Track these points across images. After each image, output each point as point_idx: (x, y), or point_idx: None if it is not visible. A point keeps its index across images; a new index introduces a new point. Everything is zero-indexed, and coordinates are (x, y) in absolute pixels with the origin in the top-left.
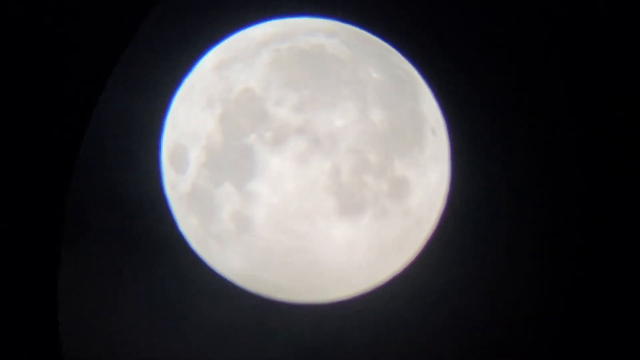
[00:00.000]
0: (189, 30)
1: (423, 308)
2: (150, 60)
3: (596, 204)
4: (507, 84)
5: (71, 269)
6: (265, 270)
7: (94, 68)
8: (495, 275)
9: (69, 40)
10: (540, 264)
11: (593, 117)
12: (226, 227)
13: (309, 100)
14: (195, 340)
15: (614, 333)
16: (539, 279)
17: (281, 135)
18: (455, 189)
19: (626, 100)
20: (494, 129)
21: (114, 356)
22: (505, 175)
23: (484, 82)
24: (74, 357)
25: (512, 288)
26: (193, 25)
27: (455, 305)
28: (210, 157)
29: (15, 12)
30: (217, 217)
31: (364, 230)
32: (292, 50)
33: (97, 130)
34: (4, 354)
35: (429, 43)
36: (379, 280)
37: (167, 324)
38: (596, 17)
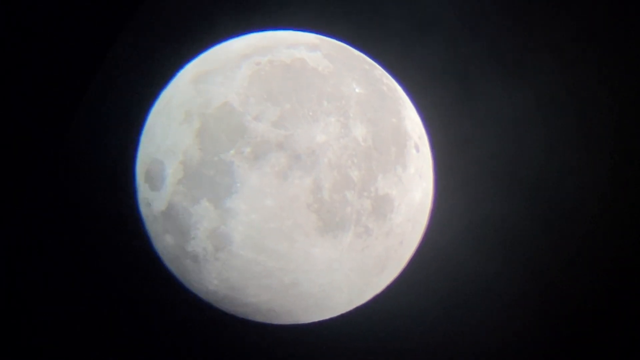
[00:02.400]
0: (167, 42)
1: (405, 329)
2: (125, 72)
3: (586, 216)
4: (492, 99)
5: (38, 284)
6: (243, 291)
7: (69, 80)
8: (481, 296)
9: (44, 55)
10: (527, 283)
11: (582, 127)
12: (203, 246)
13: (289, 114)
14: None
15: (609, 343)
16: (525, 299)
17: (261, 150)
18: (439, 207)
19: (620, 106)
20: (479, 145)
21: None
22: (491, 191)
23: (468, 97)
24: None
25: (499, 308)
26: (171, 37)
27: (439, 326)
28: (187, 173)
29: None
30: (193, 236)
31: (346, 250)
32: (273, 64)
33: (70, 144)
34: None
35: (411, 57)
36: (360, 301)
37: (141, 345)
38: (579, 28)
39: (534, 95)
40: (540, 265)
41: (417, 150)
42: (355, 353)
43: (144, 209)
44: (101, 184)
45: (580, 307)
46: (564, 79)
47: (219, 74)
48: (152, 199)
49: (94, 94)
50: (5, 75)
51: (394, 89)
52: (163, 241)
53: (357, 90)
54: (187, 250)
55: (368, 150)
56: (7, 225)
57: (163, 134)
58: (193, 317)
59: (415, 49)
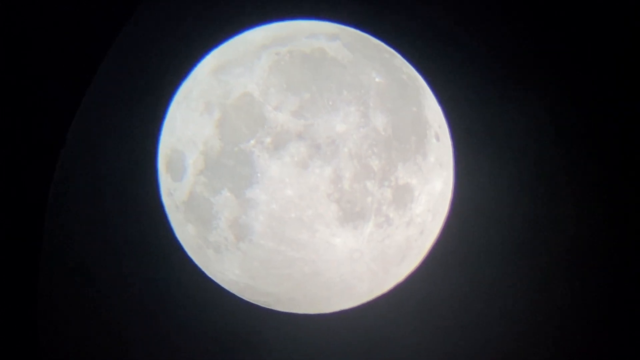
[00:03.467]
0: (187, 33)
1: (427, 318)
2: (146, 63)
3: (603, 209)
4: (513, 89)
5: (64, 276)
6: (264, 281)
7: (89, 69)
8: (501, 284)
9: (62, 50)
10: (545, 271)
11: (600, 120)
12: (224, 236)
13: (309, 104)
14: (193, 351)
15: (619, 337)
16: (544, 286)
17: (281, 140)
18: (459, 197)
19: (630, 101)
20: (499, 134)
21: None
22: (511, 181)
23: (488, 86)
24: None
25: (518, 296)
26: (191, 28)
27: (459, 315)
28: (208, 163)
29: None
30: (215, 226)
31: (367, 240)
32: (293, 54)
33: (92, 136)
34: None
35: (432, 46)
36: (381, 291)
37: (164, 334)
38: (597, 20)
39: (562, 85)
40: (562, 255)
41: (438, 140)
42: (376, 342)
43: (166, 200)
44: (124, 175)
45: (606, 305)
46: (590, 70)
47: (238, 65)
48: (174, 190)
49: (115, 86)
50: (21, 61)
51: (414, 78)
52: (185, 231)
53: (377, 79)
54: (209, 240)
55: (388, 140)
56: (29, 217)
57: (184, 125)
58: (215, 307)
59: (435, 38)
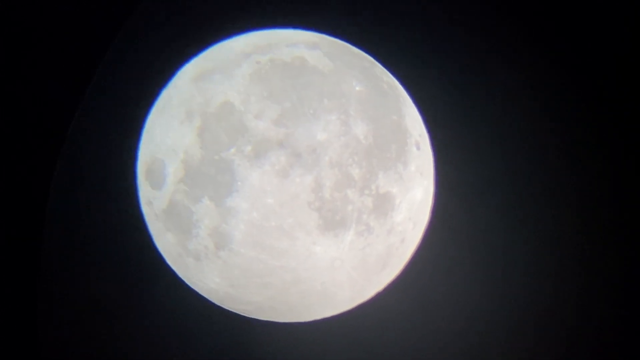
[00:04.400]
0: (168, 40)
1: (407, 326)
2: (126, 71)
3: (588, 212)
4: (493, 96)
5: (45, 284)
6: (244, 289)
7: (69, 78)
8: (482, 293)
9: (45, 53)
10: (529, 277)
11: (581, 125)
12: (204, 244)
13: (290, 113)
14: (173, 358)
15: (609, 340)
16: (527, 294)
17: (261, 149)
18: (440, 205)
19: (618, 105)
20: (479, 142)
21: None
22: (492, 189)
23: (469, 94)
24: None
25: (500, 305)
26: (172, 35)
27: (440, 322)
28: (188, 171)
29: None
30: (195, 234)
31: (347, 248)
32: (273, 62)
33: (70, 143)
34: None
35: (412, 55)
36: (362, 299)
37: (143, 342)
38: (583, 23)
39: (539, 93)
40: (543, 263)
41: (418, 148)
42: (357, 350)
43: (145, 208)
44: (102, 183)
45: (585, 304)
46: (570, 77)
47: (219, 73)
48: (154, 198)
49: (94, 93)
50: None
51: (395, 87)
52: (165, 240)
53: (357, 88)
54: (189, 248)
55: (369, 148)
56: (8, 226)
57: (164, 133)
58: (195, 316)
59: (415, 46)
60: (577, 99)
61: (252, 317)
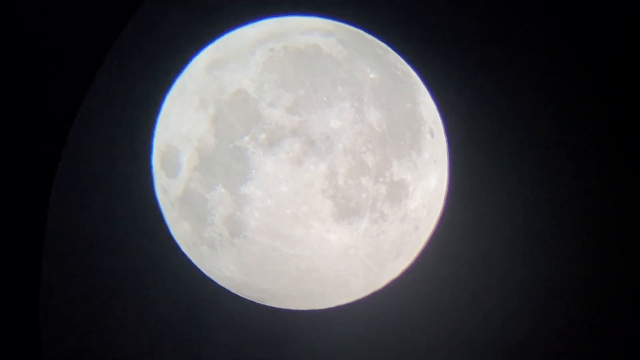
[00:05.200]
0: (181, 29)
1: (421, 314)
2: (140, 60)
3: (598, 205)
4: (507, 85)
5: (59, 273)
6: (259, 277)
7: (83, 66)
8: (496, 280)
9: (59, 41)
10: (541, 267)
11: (595, 118)
12: (219, 232)
13: (304, 101)
14: (188, 347)
15: (615, 334)
16: (540, 282)
17: (275, 137)
18: (454, 192)
19: (628, 101)
20: (493, 130)
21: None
22: (506, 177)
23: (482, 82)
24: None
25: (514, 292)
26: (185, 24)
27: (455, 310)
28: (203, 159)
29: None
30: (209, 222)
31: (362, 236)
32: (287, 50)
33: (86, 132)
34: None
35: (426, 42)
36: (376, 287)
37: (159, 331)
38: (595, 19)
39: (557, 80)
40: (560, 251)
41: (432, 136)
42: (371, 338)
43: (160, 196)
44: (118, 172)
45: (599, 296)
46: (589, 66)
47: (233, 61)
48: (169, 186)
49: (109, 82)
50: (17, 60)
51: (408, 74)
52: (180, 228)
53: (371, 75)
54: (204, 236)
55: (383, 136)
56: (23, 215)
57: (178, 121)
58: (210, 303)
59: (430, 33)
60: (595, 86)
61: (267, 304)
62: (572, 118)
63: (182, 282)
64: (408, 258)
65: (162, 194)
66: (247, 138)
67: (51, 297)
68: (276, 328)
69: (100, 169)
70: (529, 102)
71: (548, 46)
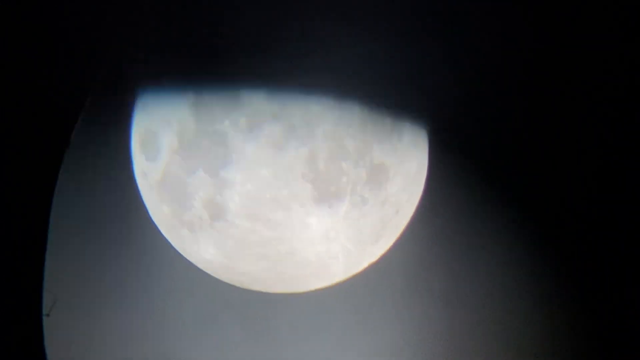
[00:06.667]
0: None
1: (401, 298)
2: (120, 43)
3: (576, 197)
4: (487, 71)
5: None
6: (240, 260)
7: (62, 55)
8: (476, 264)
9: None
10: (521, 254)
11: (576, 117)
12: (199, 216)
13: (284, 85)
14: (168, 331)
15: (602, 332)
16: (520, 270)
17: (256, 121)
18: (434, 177)
19: (614, 108)
20: (473, 115)
21: (85, 346)
22: (486, 162)
23: (462, 66)
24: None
25: (493, 278)
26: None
27: (434, 294)
28: (183, 143)
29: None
30: (189, 205)
31: (342, 219)
32: None
33: (65, 117)
34: None
35: (404, 26)
36: (356, 270)
37: (139, 315)
38: (579, 29)
39: (536, 65)
40: (541, 238)
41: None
42: (351, 321)
43: (140, 180)
44: (97, 156)
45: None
46: (568, 69)
47: None
48: (148, 170)
49: (85, 68)
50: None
51: None
52: (160, 211)
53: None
54: (184, 219)
55: (363, 120)
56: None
57: (157, 105)
58: (190, 286)
59: (409, 19)
60: (582, 86)
61: (248, 287)
62: (560, 109)
63: (161, 265)
64: (388, 242)
65: (142, 177)
66: (227, 122)
67: (31, 280)
68: (256, 311)
69: (80, 153)
70: (514, 88)
71: (534, 39)
